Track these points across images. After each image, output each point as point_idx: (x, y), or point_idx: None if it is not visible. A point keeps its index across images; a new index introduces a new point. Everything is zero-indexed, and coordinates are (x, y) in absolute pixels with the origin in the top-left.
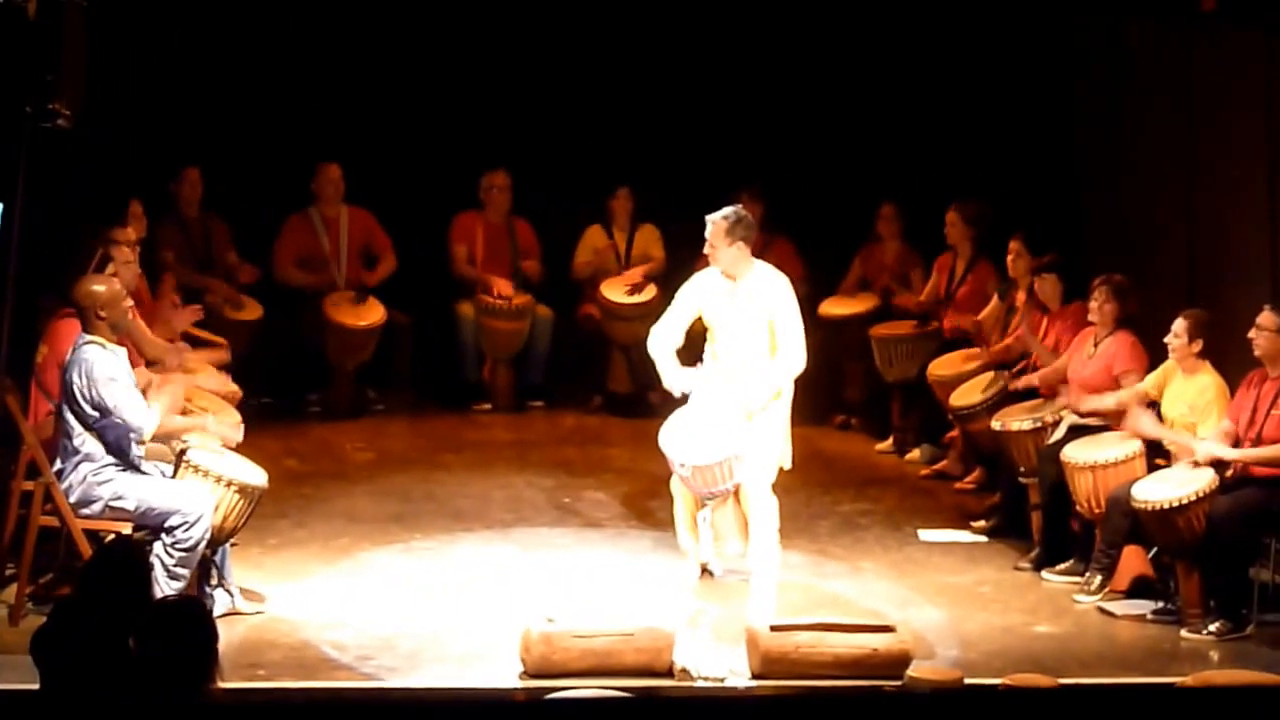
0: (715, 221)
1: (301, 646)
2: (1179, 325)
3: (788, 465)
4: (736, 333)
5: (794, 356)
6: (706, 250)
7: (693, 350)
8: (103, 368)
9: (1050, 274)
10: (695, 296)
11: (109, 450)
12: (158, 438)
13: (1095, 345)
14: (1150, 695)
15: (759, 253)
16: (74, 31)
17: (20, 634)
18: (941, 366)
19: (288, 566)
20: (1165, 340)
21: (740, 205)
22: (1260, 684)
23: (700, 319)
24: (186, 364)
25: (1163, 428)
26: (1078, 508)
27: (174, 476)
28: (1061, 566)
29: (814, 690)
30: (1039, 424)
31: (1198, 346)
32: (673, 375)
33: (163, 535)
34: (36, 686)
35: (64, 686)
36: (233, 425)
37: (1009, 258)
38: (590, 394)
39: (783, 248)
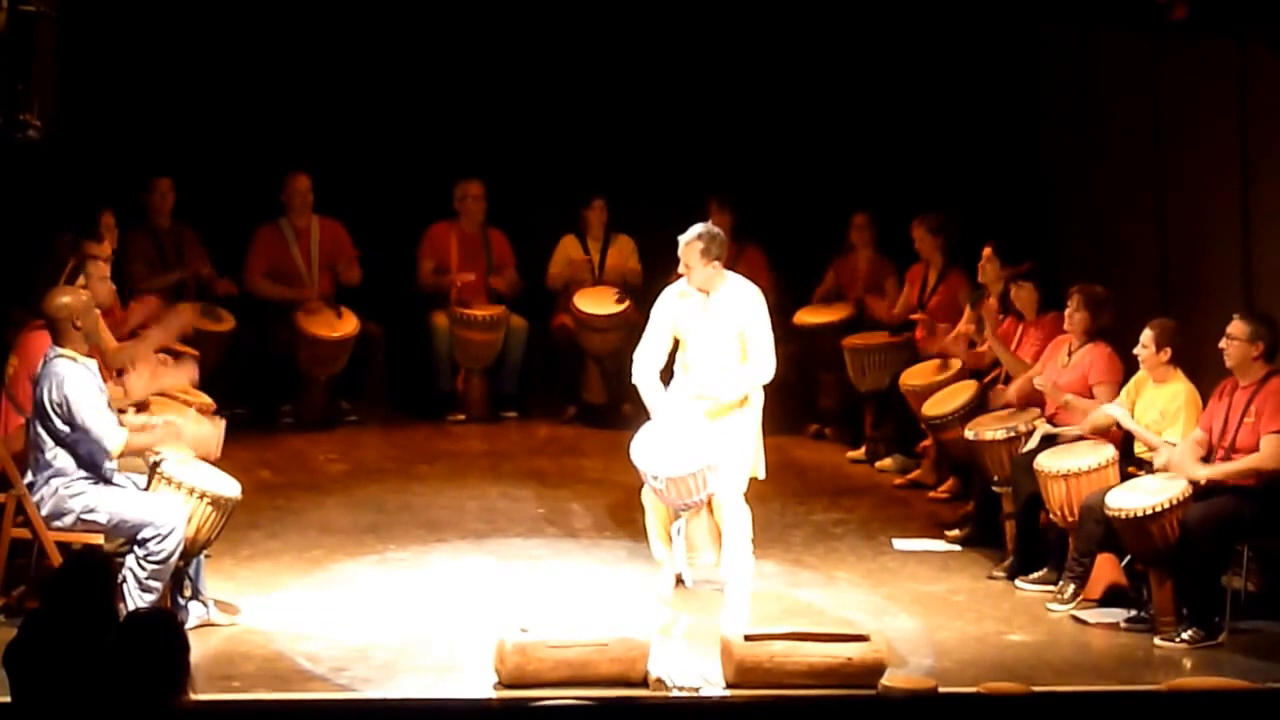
0: (689, 242)
1: (275, 658)
2: (1146, 335)
3: (761, 475)
4: (708, 345)
5: (763, 366)
6: (681, 270)
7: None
8: (73, 383)
9: (1027, 283)
10: (668, 313)
11: (80, 463)
12: (129, 452)
13: (1069, 355)
14: (1122, 702)
15: (730, 262)
16: (44, 43)
17: None
18: (914, 376)
19: (261, 578)
20: (1135, 351)
21: (710, 217)
22: (1232, 689)
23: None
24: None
25: (1135, 423)
26: (1051, 516)
27: (147, 488)
28: (1035, 575)
29: (788, 699)
30: (1012, 433)
31: (1166, 355)
32: (663, 410)
33: (135, 548)
34: (8, 699)
35: (36, 699)
36: (210, 433)
37: (980, 263)
38: (564, 404)
39: (754, 257)
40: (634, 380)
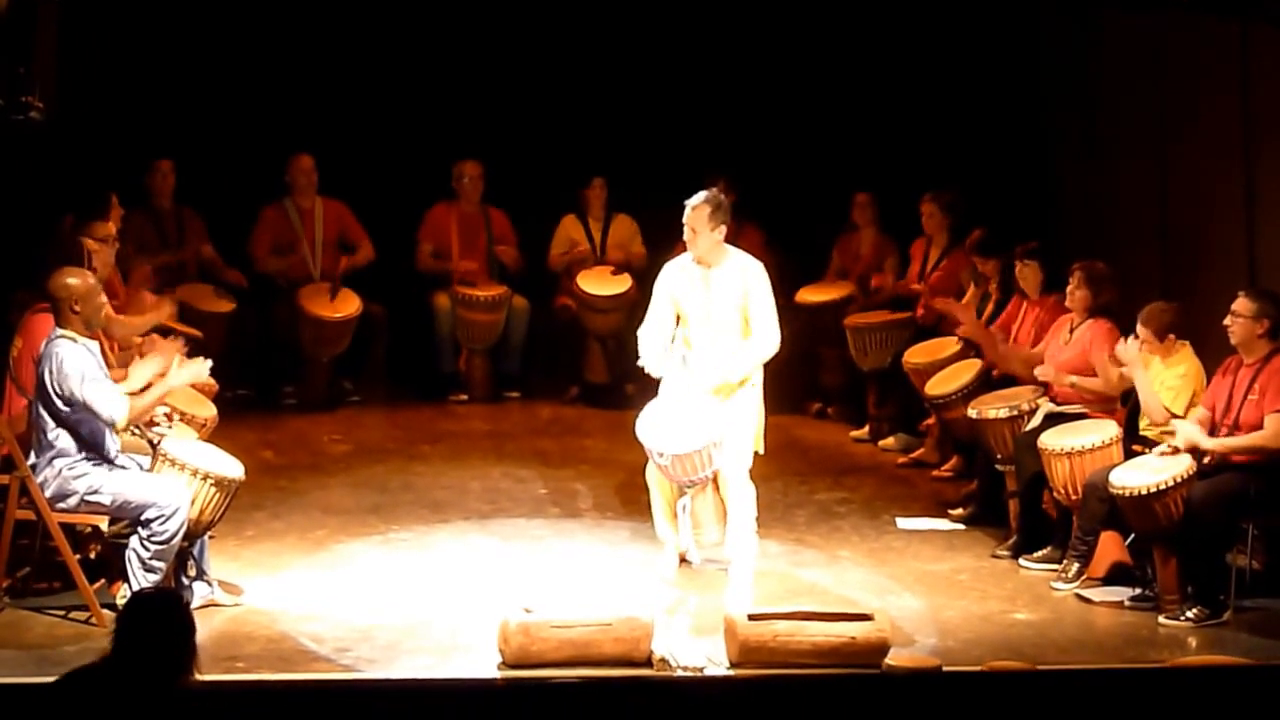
0: (696, 206)
1: (279, 638)
2: (1141, 331)
3: (760, 450)
4: (709, 320)
5: (768, 338)
6: (686, 236)
7: None
8: (72, 362)
9: (1031, 261)
10: (668, 288)
11: (83, 444)
12: (134, 421)
13: (1071, 331)
14: (1126, 680)
15: (730, 242)
16: (46, 25)
17: None
18: (917, 354)
19: (265, 558)
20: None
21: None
22: (1235, 666)
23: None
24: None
25: (1148, 389)
26: (1055, 494)
27: (150, 469)
28: (1039, 554)
29: (792, 678)
30: (1015, 411)
31: (1171, 340)
32: (653, 359)
33: (139, 528)
34: (14, 680)
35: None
36: (198, 367)
37: (974, 261)
38: (566, 384)
39: (752, 237)
40: (641, 359)
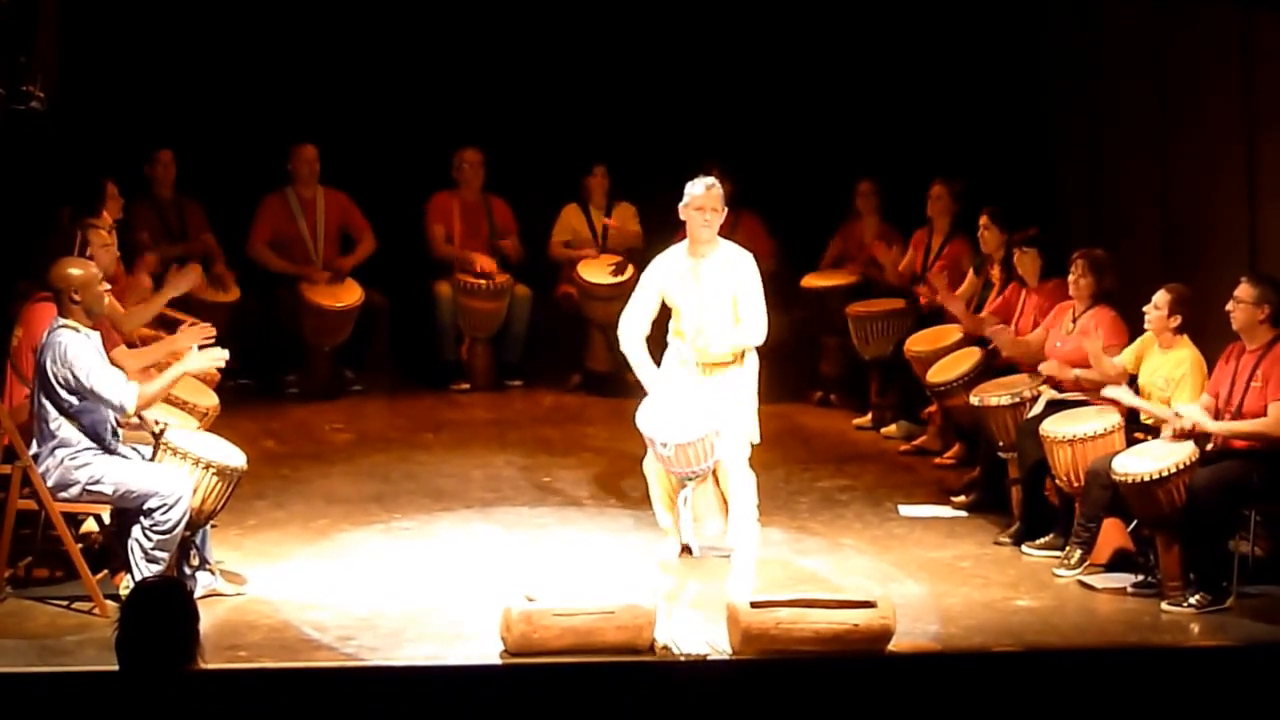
0: (711, 187)
1: (282, 627)
2: (1161, 298)
3: (756, 439)
4: (702, 311)
5: (754, 330)
6: (705, 219)
7: (659, 327)
8: (76, 351)
9: (1030, 249)
10: (657, 279)
11: (85, 434)
12: (144, 407)
13: (1074, 320)
14: (1125, 659)
15: (728, 230)
16: (47, 14)
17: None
18: (919, 342)
19: (267, 548)
20: (1144, 309)
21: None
22: (1222, 646)
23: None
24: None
25: (1142, 400)
26: (1057, 481)
27: (152, 459)
28: (1041, 541)
29: (794, 664)
30: (1017, 399)
31: (1176, 322)
32: (651, 378)
33: (141, 518)
34: (17, 670)
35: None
36: (214, 351)
37: (979, 233)
38: (568, 373)
39: (751, 224)
40: (621, 346)
